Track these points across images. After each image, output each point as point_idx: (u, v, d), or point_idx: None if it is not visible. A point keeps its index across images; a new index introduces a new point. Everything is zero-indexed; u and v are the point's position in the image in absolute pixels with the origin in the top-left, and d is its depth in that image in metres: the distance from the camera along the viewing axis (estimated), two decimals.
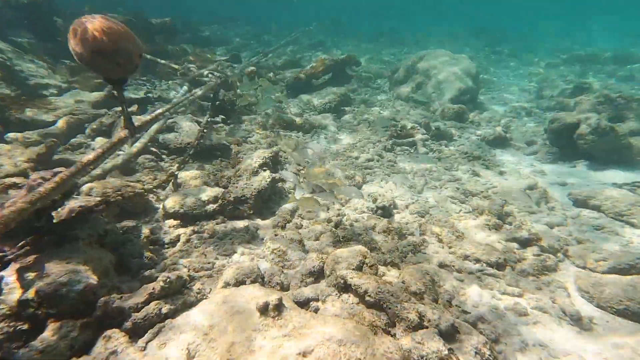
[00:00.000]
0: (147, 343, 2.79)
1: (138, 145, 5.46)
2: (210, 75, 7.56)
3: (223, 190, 5.26)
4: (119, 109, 3.78)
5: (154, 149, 6.04)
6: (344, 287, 3.43)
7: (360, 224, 4.97)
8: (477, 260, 4.06)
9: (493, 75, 16.72)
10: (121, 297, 3.09)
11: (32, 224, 3.02)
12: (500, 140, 8.18)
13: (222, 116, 8.02)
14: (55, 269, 2.80)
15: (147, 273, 3.49)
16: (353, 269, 3.53)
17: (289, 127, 8.95)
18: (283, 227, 4.79)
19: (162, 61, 8.31)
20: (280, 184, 5.69)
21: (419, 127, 8.70)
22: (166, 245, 4.26)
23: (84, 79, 7.27)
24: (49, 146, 4.54)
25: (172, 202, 4.80)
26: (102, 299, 2.92)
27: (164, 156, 6.16)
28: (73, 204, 3.64)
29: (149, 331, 2.85)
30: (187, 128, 6.60)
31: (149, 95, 7.48)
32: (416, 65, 13.10)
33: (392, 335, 2.80)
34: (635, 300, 3.12)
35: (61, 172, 3.04)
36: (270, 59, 15.70)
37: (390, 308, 3.03)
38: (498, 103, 12.09)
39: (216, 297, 3.16)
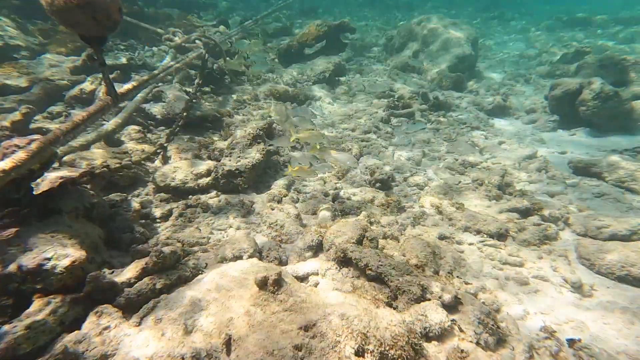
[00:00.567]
0: (141, 318, 2.69)
1: (123, 114, 5.14)
2: (197, 41, 7.07)
3: (216, 163, 5.05)
4: (100, 75, 3.46)
5: (140, 120, 5.71)
6: (344, 261, 3.35)
7: (359, 197, 4.86)
8: (478, 232, 4.02)
9: (491, 41, 16.20)
10: (112, 271, 2.96)
11: (10, 195, 2.82)
12: (499, 109, 8.00)
13: (212, 86, 7.61)
14: (39, 243, 2.63)
15: (139, 247, 3.35)
16: (353, 243, 3.44)
17: (282, 97, 8.59)
18: (279, 201, 4.65)
19: (145, 25, 7.71)
20: (275, 157, 5.49)
21: (417, 97, 8.44)
22: (158, 220, 4.10)
23: (58, 42, 6.70)
24: (24, 113, 4.21)
25: (162, 176, 4.59)
26: (91, 273, 2.79)
27: (151, 127, 5.85)
28: (54, 175, 3.42)
29: (143, 306, 2.75)
30: (175, 98, 6.24)
31: (132, 61, 7.00)
32: (413, 32, 12.55)
33: (394, 308, 2.75)
34: (637, 266, 3.12)
35: (38, 139, 2.80)
36: (260, 25, 14.87)
37: (392, 281, 2.96)
38: (496, 70, 11.77)
39: (213, 271, 3.05)
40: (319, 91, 9.46)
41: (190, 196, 4.60)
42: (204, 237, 3.88)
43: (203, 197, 4.61)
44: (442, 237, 4.01)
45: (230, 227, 4.12)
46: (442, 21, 11.98)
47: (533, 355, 2.42)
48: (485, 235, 3.94)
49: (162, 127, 5.98)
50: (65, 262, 2.58)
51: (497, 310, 2.88)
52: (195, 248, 3.71)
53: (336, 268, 3.31)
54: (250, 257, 3.40)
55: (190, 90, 6.58)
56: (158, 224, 4.07)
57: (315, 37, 11.93)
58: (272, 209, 4.26)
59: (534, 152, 5.97)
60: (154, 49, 8.12)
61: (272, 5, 16.74)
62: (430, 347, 2.41)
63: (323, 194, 4.93)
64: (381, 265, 3.10)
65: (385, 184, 5.22)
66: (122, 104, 5.12)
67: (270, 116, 7.25)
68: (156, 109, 6.02)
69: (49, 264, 2.52)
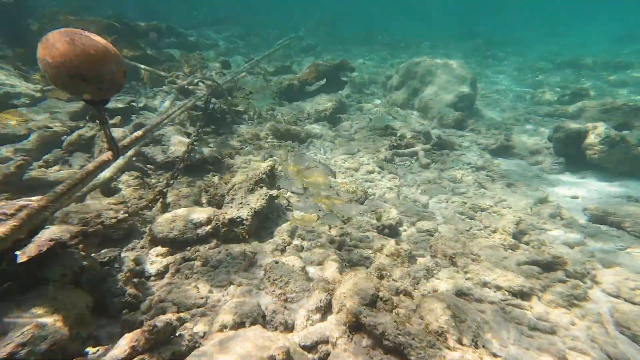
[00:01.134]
0: None
1: (120, 161, 4.98)
2: (200, 83, 7.11)
3: (216, 210, 4.82)
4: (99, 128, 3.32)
5: (139, 164, 5.55)
6: (356, 326, 3.03)
7: (366, 245, 4.60)
8: (498, 288, 3.72)
9: (487, 81, 16.69)
10: (97, 351, 2.62)
11: None
12: (503, 149, 7.95)
13: (213, 126, 7.56)
14: (15, 325, 2.32)
15: (129, 317, 3.02)
16: (366, 305, 3.14)
17: (283, 136, 8.55)
18: (282, 251, 4.37)
19: (149, 68, 7.81)
20: (277, 201, 5.27)
21: (419, 137, 8.42)
22: (152, 278, 3.79)
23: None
24: (18, 165, 4.03)
25: (159, 227, 4.33)
26: None
27: (150, 172, 5.68)
28: (43, 236, 3.16)
29: None
30: (176, 140, 6.13)
31: (133, 104, 6.97)
32: (411, 71, 12.89)
33: None
34: None
35: (28, 204, 2.57)
36: (261, 64, 15.30)
37: (412, 355, 2.64)
38: (495, 109, 11.95)
39: (212, 347, 2.71)
40: (320, 129, 9.47)
41: (188, 247, 4.32)
42: (202, 298, 3.56)
43: (202, 249, 4.33)
44: (459, 294, 3.71)
45: (231, 283, 3.81)
46: (440, 61, 12.34)
47: None
48: (507, 293, 3.64)
49: (162, 171, 5.80)
50: (44, 346, 2.26)
51: None
52: (193, 311, 3.38)
53: (348, 336, 2.98)
54: (252, 323, 3.08)
55: (192, 132, 6.50)
56: (152, 283, 3.75)
57: (316, 76, 12.20)
58: (276, 262, 3.97)
59: (544, 196, 5.80)
60: (155, 89, 8.16)
61: (273, 47, 17.36)
62: None
63: (329, 241, 4.67)
64: (399, 335, 2.79)
65: (393, 230, 4.98)
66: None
67: (272, 156, 7.14)
68: (156, 153, 5.87)
69: (24, 352, 2.20)
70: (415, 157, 7.73)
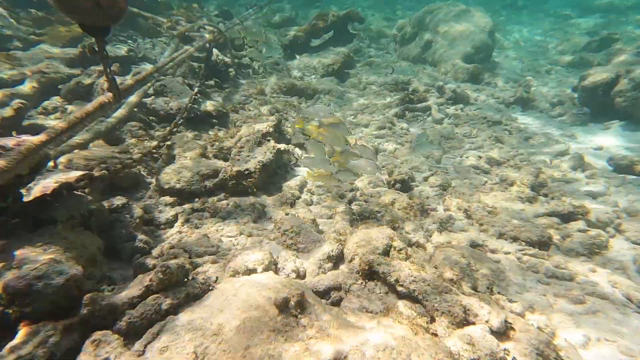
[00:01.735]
0: (145, 346, 2.35)
1: (122, 111, 4.77)
2: (202, 29, 6.65)
3: (223, 163, 4.69)
4: (100, 67, 3.08)
5: (141, 116, 5.35)
6: (369, 274, 2.99)
7: (377, 200, 4.48)
8: (515, 239, 3.62)
9: (507, 31, 15.55)
10: (112, 289, 2.62)
11: None
12: (521, 101, 7.52)
13: (216, 79, 7.21)
14: (28, 259, 2.29)
15: (142, 260, 3.01)
16: (379, 253, 3.07)
17: (289, 91, 8.19)
18: (292, 205, 4.28)
19: (146, 14, 7.30)
20: (286, 156, 5.10)
21: (433, 90, 7.98)
22: (162, 226, 3.76)
23: (53, 32, 6.30)
24: (17, 109, 3.87)
25: (166, 177, 4.24)
26: (88, 295, 2.45)
27: (153, 123, 5.49)
28: (47, 179, 3.07)
29: (147, 331, 2.41)
30: (178, 92, 5.85)
31: (132, 53, 6.59)
32: (424, 21, 12.00)
33: (434, 335, 2.38)
34: None
35: (26, 141, 2.45)
36: (265, 14, 14.39)
37: (427, 300, 2.60)
38: (514, 61, 11.21)
39: (225, 288, 2.69)
40: (328, 84, 9.03)
41: (196, 199, 4.25)
42: (213, 246, 3.53)
43: (210, 200, 4.25)
44: (473, 245, 3.63)
45: (242, 233, 3.77)
46: (456, 8, 11.40)
47: None
48: (523, 243, 3.55)
49: (165, 124, 5.60)
50: (60, 280, 2.24)
51: (552, 335, 2.50)
52: (205, 258, 3.36)
53: (361, 283, 2.94)
54: (265, 269, 3.05)
55: (194, 83, 6.20)
56: (163, 231, 3.72)
57: (323, 27, 11.46)
58: (286, 214, 3.89)
59: (566, 148, 5.52)
60: (154, 39, 7.71)
61: None
62: None
63: (339, 196, 4.56)
64: (414, 281, 2.73)
65: (405, 185, 4.83)
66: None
67: (278, 111, 6.85)
68: (158, 104, 5.64)
69: (40, 284, 2.18)
70: (429, 112, 7.38)
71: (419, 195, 4.68)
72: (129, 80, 3.27)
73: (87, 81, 5.11)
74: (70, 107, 4.86)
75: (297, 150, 5.47)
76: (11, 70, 4.92)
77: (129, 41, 7.22)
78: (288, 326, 2.31)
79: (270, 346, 2.19)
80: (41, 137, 2.53)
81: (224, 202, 4.30)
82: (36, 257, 2.40)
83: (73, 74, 5.36)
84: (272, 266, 3.13)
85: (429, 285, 2.68)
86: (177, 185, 4.23)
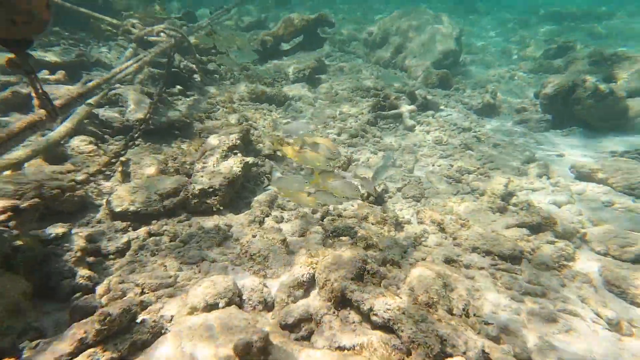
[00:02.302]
0: None
1: (70, 122, 4.30)
2: (162, 34, 6.22)
3: (186, 179, 4.34)
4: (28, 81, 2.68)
5: (92, 128, 4.87)
6: (342, 302, 2.80)
7: (350, 213, 4.31)
8: (488, 253, 3.58)
9: (470, 36, 16.06)
10: (37, 345, 2.24)
11: None
12: (489, 108, 7.68)
13: (179, 86, 6.79)
14: None
15: (80, 302, 2.63)
16: (352, 279, 2.88)
17: (259, 98, 7.88)
18: (261, 223, 4.02)
19: (99, 15, 6.74)
20: (255, 169, 4.83)
21: (403, 97, 7.98)
22: (111, 256, 3.37)
23: None
24: None
25: (119, 198, 3.84)
26: None
27: (107, 137, 5.02)
28: None
29: None
30: (135, 101, 5.41)
31: (83, 58, 6.03)
32: (394, 26, 12.10)
33: None
34: None
35: None
36: (232, 18, 13.96)
37: (402, 330, 2.44)
38: (480, 66, 11.54)
39: (179, 332, 2.40)
40: (299, 90, 8.82)
41: (153, 221, 3.88)
42: (170, 276, 3.20)
43: (170, 223, 3.90)
44: (448, 261, 3.54)
45: (204, 259, 3.46)
46: (424, 15, 11.59)
47: None
48: (496, 258, 3.51)
49: (121, 136, 5.15)
50: None
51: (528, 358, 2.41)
52: (160, 292, 3.03)
53: (333, 312, 2.75)
54: (228, 303, 2.77)
55: (154, 92, 5.77)
56: (112, 262, 3.33)
57: (292, 32, 11.23)
58: (254, 236, 3.62)
59: (531, 156, 5.64)
60: (111, 44, 7.15)
61: None
62: None
63: (311, 211, 4.35)
64: (388, 309, 2.57)
65: (378, 197, 4.71)
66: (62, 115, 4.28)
67: (247, 120, 6.54)
68: (112, 115, 5.17)
69: None
70: (400, 119, 7.35)
71: (392, 208, 4.57)
72: (65, 97, 2.88)
73: (26, 90, 4.57)
74: (6, 120, 4.31)
75: (268, 163, 5.21)
76: None
77: (80, 45, 6.63)
78: None
79: None
80: None
81: (185, 223, 3.97)
82: None
83: (9, 82, 4.78)
84: (236, 298, 2.86)
85: (403, 313, 2.52)
86: (132, 208, 3.84)
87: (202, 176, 4.28)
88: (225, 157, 4.59)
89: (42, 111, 2.80)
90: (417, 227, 4.12)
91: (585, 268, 3.32)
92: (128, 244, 3.53)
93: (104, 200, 3.91)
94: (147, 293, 3.01)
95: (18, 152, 3.68)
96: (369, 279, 2.93)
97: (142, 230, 3.73)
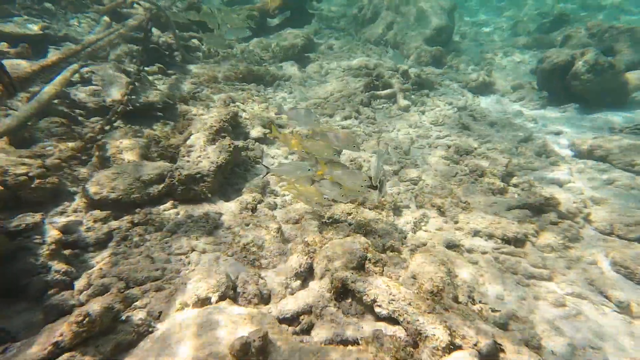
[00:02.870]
0: None
1: (36, 102, 3.88)
2: (136, 5, 5.70)
3: (170, 165, 4.03)
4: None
5: (64, 109, 4.45)
6: (344, 293, 2.64)
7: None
8: (490, 236, 3.46)
9: (462, 11, 15.63)
10: (5, 349, 2.01)
11: None
12: (484, 86, 7.48)
13: (159, 64, 6.31)
14: None
15: (54, 300, 2.39)
16: (353, 268, 2.72)
17: (246, 78, 7.46)
18: (254, 210, 3.79)
19: None
20: (244, 153, 4.55)
21: (397, 76, 7.69)
22: (91, 248, 3.11)
23: None
24: None
25: (96, 185, 3.53)
26: None
27: (80, 119, 4.62)
28: None
29: None
30: (111, 80, 4.98)
31: (48, 31, 5.46)
32: (384, 0, 11.60)
33: None
34: None
35: None
36: None
37: (409, 322, 2.30)
38: (473, 42, 11.24)
39: (169, 331, 2.20)
40: (288, 70, 8.41)
41: (137, 210, 3.60)
42: (157, 269, 2.97)
43: (155, 211, 3.63)
44: (450, 246, 3.42)
45: (194, 250, 3.23)
46: None
47: None
48: (499, 241, 3.39)
49: (97, 118, 4.75)
50: None
51: (538, 347, 2.33)
52: (146, 286, 2.80)
53: (334, 304, 2.59)
54: (221, 297, 2.58)
55: (131, 69, 5.33)
56: (91, 254, 3.07)
57: (279, 6, 10.64)
58: (247, 224, 3.40)
59: (529, 134, 5.52)
60: (80, 16, 6.52)
61: None
62: None
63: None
64: (393, 300, 2.42)
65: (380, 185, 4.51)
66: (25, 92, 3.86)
67: (234, 101, 6.17)
68: (86, 95, 4.75)
69: None
70: (394, 99, 7.10)
71: (389, 190, 4.40)
72: (26, 68, 2.52)
73: None
74: None
75: (258, 147, 4.92)
76: None
77: (44, 17, 6.00)
78: None
79: None
80: None
81: (172, 211, 3.71)
82: None
83: None
84: (230, 292, 2.66)
85: (409, 304, 2.38)
86: (112, 195, 3.54)
87: (188, 161, 3.98)
88: (212, 140, 4.29)
89: None
90: (416, 211, 3.96)
91: (591, 249, 3.24)
92: (109, 235, 3.26)
93: (80, 188, 3.59)
94: (132, 288, 2.79)
95: None
96: (370, 268, 2.77)
97: (125, 220, 3.46)
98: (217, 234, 3.46)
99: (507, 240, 3.37)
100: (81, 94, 4.74)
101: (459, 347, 2.17)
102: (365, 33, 11.87)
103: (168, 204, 3.75)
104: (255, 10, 10.45)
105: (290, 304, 2.61)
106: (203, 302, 2.53)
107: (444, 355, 2.13)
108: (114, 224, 3.38)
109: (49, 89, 4.15)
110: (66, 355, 1.94)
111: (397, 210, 3.97)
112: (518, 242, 3.33)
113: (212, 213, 3.64)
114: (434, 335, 2.20)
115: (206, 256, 3.17)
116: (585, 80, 5.85)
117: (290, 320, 2.57)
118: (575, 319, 2.53)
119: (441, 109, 6.66)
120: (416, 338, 2.25)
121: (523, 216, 3.66)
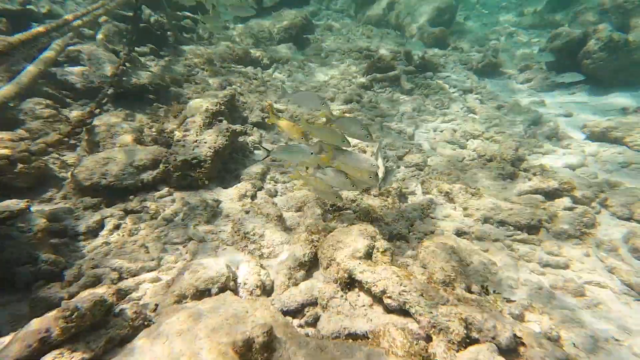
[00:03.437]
0: None
1: (18, 82, 3.62)
2: None
3: (165, 150, 3.83)
4: None
5: (50, 90, 4.20)
6: (350, 283, 2.50)
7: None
8: (502, 223, 3.31)
9: None
10: None
11: None
12: (490, 67, 7.22)
13: (151, 45, 6.00)
14: None
15: (43, 292, 2.23)
16: (360, 257, 2.57)
17: (242, 60, 7.16)
18: (253, 198, 3.61)
19: None
20: (242, 138, 4.34)
21: (400, 57, 7.40)
22: (81, 237, 2.93)
23: None
24: None
25: (86, 170, 3.33)
26: None
27: (68, 100, 4.37)
28: None
29: None
30: (100, 60, 4.70)
31: (30, 6, 5.12)
32: None
33: None
34: None
35: None
36: None
37: (421, 314, 2.16)
38: (477, 23, 10.87)
39: (166, 324, 2.05)
40: (286, 52, 8.08)
41: (131, 197, 3.42)
42: (153, 259, 2.81)
43: (150, 198, 3.45)
44: (459, 234, 3.27)
45: (191, 239, 3.07)
46: None
47: None
48: (512, 228, 3.25)
49: (86, 100, 4.50)
50: None
51: (558, 339, 2.20)
52: (141, 277, 2.65)
53: (341, 295, 2.44)
54: (221, 289, 2.43)
55: (121, 50, 5.03)
56: (83, 243, 2.90)
57: None
58: (247, 212, 3.22)
59: (538, 117, 5.32)
60: None
61: None
62: None
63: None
64: (404, 292, 2.27)
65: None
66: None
67: (230, 84, 5.90)
68: (74, 75, 4.48)
69: None
70: (397, 82, 6.83)
71: (395, 178, 4.22)
72: (11, 39, 2.28)
73: None
74: None
75: (256, 132, 4.70)
76: None
77: None
78: None
79: None
80: None
81: (168, 199, 3.52)
82: None
83: None
84: (231, 282, 2.51)
85: (421, 295, 2.24)
86: (103, 181, 3.35)
87: (183, 146, 3.77)
88: (209, 124, 4.07)
89: None
90: (423, 198, 3.80)
91: (609, 235, 3.10)
92: (101, 223, 3.08)
93: (69, 174, 3.39)
94: (127, 279, 2.63)
95: None
96: (379, 257, 2.62)
97: (118, 207, 3.28)
98: (216, 222, 3.29)
99: (519, 227, 3.22)
100: (69, 74, 4.47)
101: (476, 341, 2.04)
102: (366, 14, 11.46)
103: (163, 191, 3.57)
104: None
105: (294, 295, 2.47)
106: (202, 294, 2.38)
107: (460, 350, 2.00)
108: (105, 211, 3.21)
109: (32, 69, 3.89)
110: (54, 353, 1.78)
111: (403, 197, 3.81)
112: (532, 228, 3.18)
113: (210, 200, 3.46)
114: (449, 328, 2.06)
115: (205, 246, 3.01)
116: (597, 58, 5.59)
117: (295, 312, 2.44)
118: (597, 309, 2.40)
119: (445, 91, 6.42)
120: (430, 331, 2.11)
121: (536, 201, 3.50)
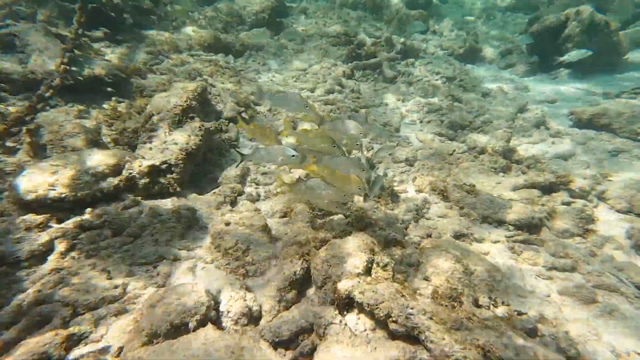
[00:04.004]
0: None
1: None
2: None
3: (128, 152, 3.33)
4: None
5: None
6: (349, 305, 2.22)
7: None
8: (500, 222, 3.15)
9: None
10: None
11: None
12: (471, 52, 7.05)
13: (105, 29, 5.28)
14: None
15: None
16: (359, 274, 2.28)
17: (212, 47, 6.55)
18: (233, 204, 3.22)
19: None
20: (217, 136, 3.89)
21: (381, 43, 7.06)
22: (24, 264, 2.45)
23: None
24: None
25: (30, 180, 2.79)
26: None
27: (3, 94, 3.72)
28: None
29: None
30: (42, 46, 4.02)
31: None
32: None
33: None
34: None
35: None
36: None
37: (433, 342, 1.92)
38: (454, 5, 10.66)
39: None
40: (259, 38, 7.50)
41: (88, 210, 2.93)
42: (116, 286, 2.39)
43: (112, 211, 2.97)
44: (457, 236, 3.07)
45: (163, 258, 2.65)
46: None
47: None
48: (511, 227, 3.08)
49: (27, 94, 3.84)
50: None
51: (577, 357, 2.04)
52: (101, 311, 2.23)
53: (340, 321, 2.16)
54: (200, 322, 2.06)
55: (68, 34, 4.35)
56: (26, 271, 2.42)
57: None
58: (227, 223, 2.83)
59: (523, 104, 5.20)
60: None
61: None
62: None
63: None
64: (411, 315, 2.02)
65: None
66: None
67: (200, 74, 5.33)
68: (9, 65, 3.80)
69: None
70: (379, 70, 6.52)
71: (383, 172, 3.95)
72: None
73: None
74: None
75: (232, 128, 4.24)
76: None
77: None
78: None
79: None
80: None
81: (134, 210, 3.05)
82: None
83: None
84: (212, 312, 2.15)
85: (430, 318, 1.99)
86: (52, 193, 2.84)
87: (150, 148, 3.29)
88: (178, 122, 3.59)
89: None
90: (415, 196, 3.56)
91: (609, 230, 3.01)
92: (50, 245, 2.60)
93: (7, 185, 2.84)
94: (83, 314, 2.21)
95: None
96: (380, 273, 2.34)
97: (71, 223, 2.79)
98: (192, 236, 2.89)
99: (519, 226, 3.06)
100: (2, 63, 3.78)
101: None
102: None
103: (128, 202, 3.09)
104: None
105: (286, 323, 2.15)
106: (177, 330, 2.01)
107: None
108: (55, 230, 2.71)
109: None
110: None
111: (394, 197, 3.55)
112: (532, 227, 3.03)
113: (184, 210, 3.03)
114: (466, 358, 1.83)
115: (179, 265, 2.61)
116: (579, 42, 5.54)
117: (288, 342, 2.13)
118: (611, 318, 2.27)
119: (429, 79, 6.19)
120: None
121: (532, 197, 3.36)
